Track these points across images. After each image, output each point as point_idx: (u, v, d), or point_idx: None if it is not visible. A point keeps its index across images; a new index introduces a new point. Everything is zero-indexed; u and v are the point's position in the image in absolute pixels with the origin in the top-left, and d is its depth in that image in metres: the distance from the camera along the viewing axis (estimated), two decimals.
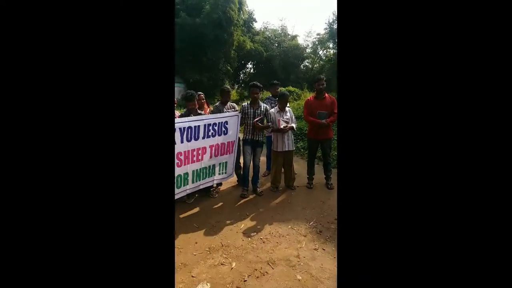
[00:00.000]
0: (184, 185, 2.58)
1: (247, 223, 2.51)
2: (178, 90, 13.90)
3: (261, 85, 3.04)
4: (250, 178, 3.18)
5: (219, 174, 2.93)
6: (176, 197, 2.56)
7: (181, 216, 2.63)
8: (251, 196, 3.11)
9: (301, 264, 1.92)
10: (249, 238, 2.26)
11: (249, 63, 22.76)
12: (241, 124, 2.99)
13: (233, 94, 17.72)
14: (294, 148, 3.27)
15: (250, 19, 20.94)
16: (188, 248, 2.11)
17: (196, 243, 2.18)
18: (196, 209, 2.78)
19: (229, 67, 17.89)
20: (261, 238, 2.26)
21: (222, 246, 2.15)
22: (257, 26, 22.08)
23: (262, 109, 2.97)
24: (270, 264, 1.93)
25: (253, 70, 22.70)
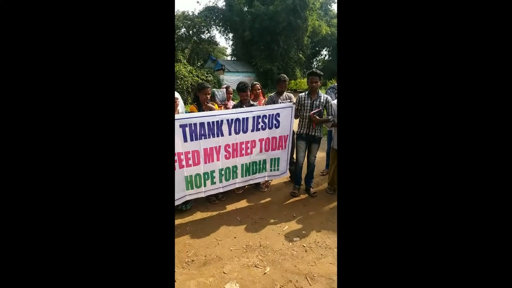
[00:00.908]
0: (233, 178, 2.56)
1: (291, 226, 2.31)
2: (249, 79, 14.34)
3: (321, 73, 2.67)
4: (303, 176, 2.93)
5: (271, 170, 2.79)
6: (226, 189, 2.57)
7: (228, 207, 2.65)
8: (302, 196, 2.86)
9: None
10: (291, 243, 2.07)
11: (324, 50, 21.34)
12: (296, 117, 2.73)
13: (304, 83, 17.04)
14: None
15: (328, 1, 19.35)
16: (226, 241, 2.09)
17: (235, 237, 2.15)
18: (243, 202, 2.75)
19: (301, 55, 17.22)
20: (304, 246, 2.03)
21: (260, 246, 2.04)
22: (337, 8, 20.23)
23: (322, 100, 2.62)
24: (308, 278, 1.70)
25: (329, 57, 21.17)
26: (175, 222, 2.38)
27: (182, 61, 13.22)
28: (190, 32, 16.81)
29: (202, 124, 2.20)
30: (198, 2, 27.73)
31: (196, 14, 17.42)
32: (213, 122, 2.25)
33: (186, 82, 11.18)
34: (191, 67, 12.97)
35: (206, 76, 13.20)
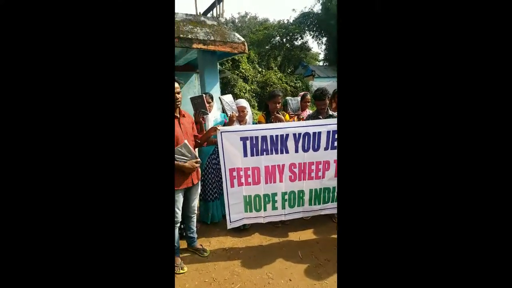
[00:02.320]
0: (298, 206, 2.13)
1: None
2: (332, 85, 13.18)
3: None
4: None
5: None
6: (289, 217, 2.17)
7: (290, 235, 2.26)
8: None
9: None
10: None
11: None
12: None
13: None
14: None
15: None
16: (279, 283, 1.71)
17: (290, 280, 1.74)
18: (309, 232, 2.29)
19: None
20: None
21: None
22: None
23: None
24: None
25: None
26: (231, 241, 2.20)
27: (273, 68, 13.61)
28: (284, 39, 17.18)
29: (264, 137, 1.93)
30: (293, 10, 28.02)
31: (291, 22, 17.66)
32: (276, 136, 1.93)
33: (275, 89, 11.40)
34: (281, 74, 13.16)
35: (295, 82, 13.07)
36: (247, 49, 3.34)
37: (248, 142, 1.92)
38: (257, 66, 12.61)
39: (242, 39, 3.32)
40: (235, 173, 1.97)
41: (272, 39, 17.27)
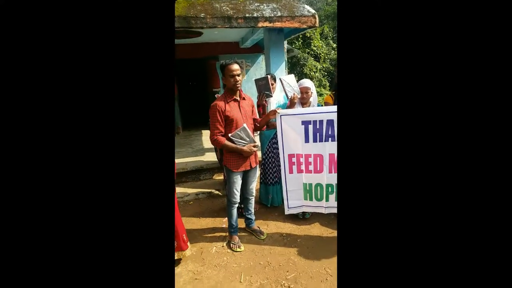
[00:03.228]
0: None
1: None
2: None
3: None
4: None
5: None
6: None
7: None
8: None
9: None
10: None
11: None
12: None
13: None
14: None
15: None
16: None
17: None
18: None
19: None
20: None
21: None
22: None
23: None
24: None
25: None
26: (289, 227, 2.15)
27: None
28: None
29: (330, 122, 1.71)
30: None
31: None
32: None
33: None
34: None
35: None
36: (317, 22, 3.01)
37: (310, 127, 1.75)
38: (331, 42, 11.51)
39: (313, 11, 2.99)
40: (294, 159, 1.86)
41: None
